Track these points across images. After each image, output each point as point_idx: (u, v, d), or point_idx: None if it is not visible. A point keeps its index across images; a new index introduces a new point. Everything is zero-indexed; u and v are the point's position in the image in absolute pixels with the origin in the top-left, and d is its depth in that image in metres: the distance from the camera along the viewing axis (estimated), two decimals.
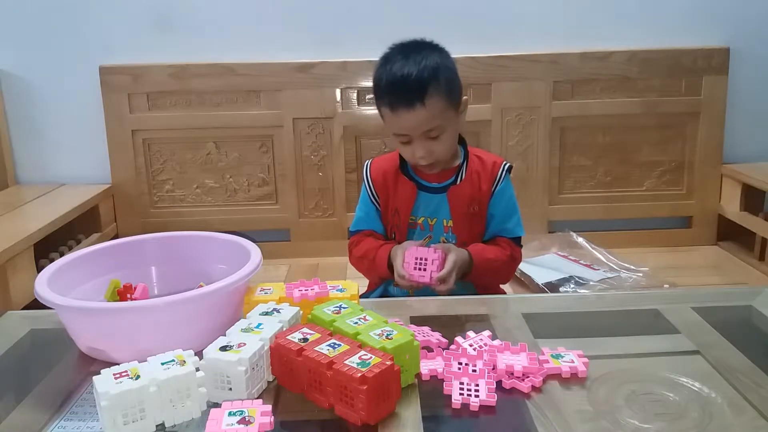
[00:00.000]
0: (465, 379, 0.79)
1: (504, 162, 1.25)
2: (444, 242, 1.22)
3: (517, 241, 1.26)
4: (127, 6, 2.06)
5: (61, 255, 1.55)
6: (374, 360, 0.73)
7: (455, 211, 1.23)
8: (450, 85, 1.14)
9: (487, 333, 0.91)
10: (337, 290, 0.98)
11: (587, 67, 2.07)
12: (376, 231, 1.29)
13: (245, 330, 0.83)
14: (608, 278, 1.82)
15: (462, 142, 1.26)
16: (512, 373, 0.81)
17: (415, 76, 1.09)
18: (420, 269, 1.11)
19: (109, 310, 0.88)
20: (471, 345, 0.88)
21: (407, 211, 1.24)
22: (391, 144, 2.08)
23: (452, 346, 0.89)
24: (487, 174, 1.23)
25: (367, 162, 1.30)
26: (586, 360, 0.84)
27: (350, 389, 0.71)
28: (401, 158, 1.25)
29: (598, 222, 2.19)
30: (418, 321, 0.98)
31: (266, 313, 0.88)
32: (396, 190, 1.25)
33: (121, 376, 0.72)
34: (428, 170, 1.22)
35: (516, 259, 1.25)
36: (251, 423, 0.70)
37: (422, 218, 1.25)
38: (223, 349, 0.78)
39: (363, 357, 0.74)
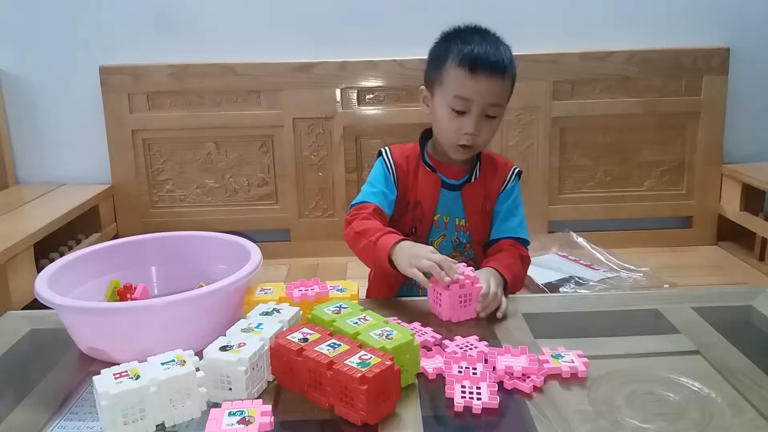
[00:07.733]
0: (467, 383, 0.79)
1: (514, 166, 1.26)
2: (455, 241, 1.22)
3: (521, 242, 1.23)
4: (127, 6, 2.06)
5: (61, 255, 1.54)
6: (374, 360, 0.73)
7: (470, 209, 1.22)
8: (515, 79, 1.21)
9: (474, 337, 0.92)
10: (337, 290, 0.98)
11: (587, 67, 2.07)
12: (384, 210, 1.18)
13: (245, 330, 0.83)
14: (608, 278, 1.82)
15: None
16: (512, 374, 0.81)
17: (505, 51, 1.18)
18: (463, 302, 0.99)
19: (109, 310, 0.88)
20: (458, 346, 0.89)
21: (432, 206, 1.22)
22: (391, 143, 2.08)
23: (447, 349, 0.89)
24: (498, 174, 1.24)
25: (385, 147, 1.26)
26: (586, 360, 0.84)
27: (350, 389, 0.71)
28: (422, 150, 1.24)
29: (598, 222, 2.19)
30: (417, 321, 0.98)
31: (266, 313, 0.88)
32: (417, 180, 1.23)
33: (121, 376, 0.72)
34: (460, 155, 1.19)
35: (525, 258, 1.22)
36: (251, 423, 0.70)
37: (438, 215, 1.23)
38: (223, 349, 0.78)
39: (363, 357, 0.74)
